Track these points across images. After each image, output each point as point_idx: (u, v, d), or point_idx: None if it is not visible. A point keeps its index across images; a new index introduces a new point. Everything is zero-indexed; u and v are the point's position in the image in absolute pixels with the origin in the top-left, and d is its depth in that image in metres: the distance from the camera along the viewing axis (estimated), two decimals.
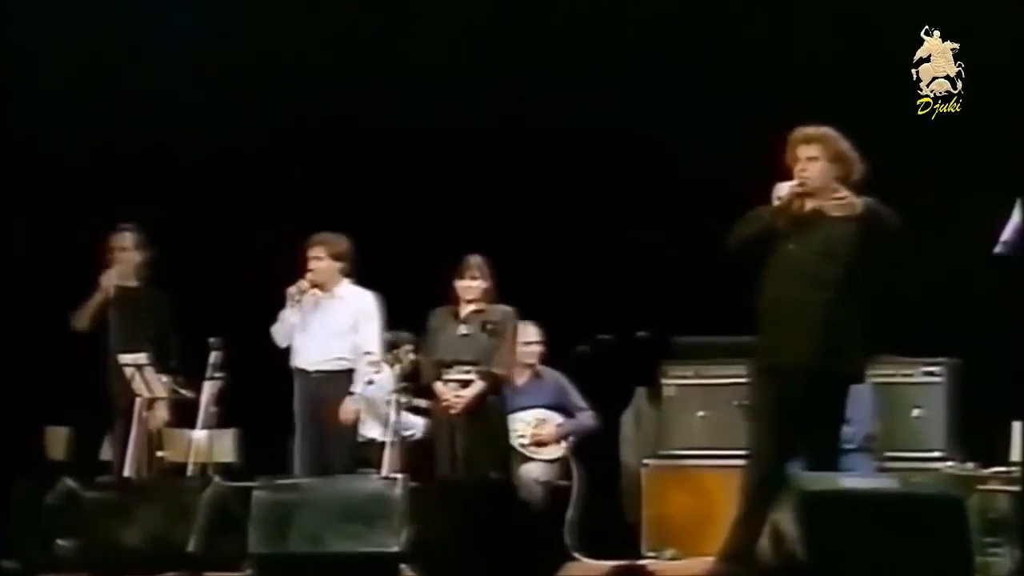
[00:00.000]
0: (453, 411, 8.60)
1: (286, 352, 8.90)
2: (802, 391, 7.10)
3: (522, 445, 9.20)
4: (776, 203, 7.17)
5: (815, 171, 7.18)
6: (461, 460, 8.55)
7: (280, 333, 8.86)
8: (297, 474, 8.50)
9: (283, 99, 10.18)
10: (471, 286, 8.71)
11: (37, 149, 9.98)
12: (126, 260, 9.18)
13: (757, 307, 7.22)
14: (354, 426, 8.89)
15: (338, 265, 8.87)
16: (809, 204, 7.21)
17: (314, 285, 8.83)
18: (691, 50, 9.71)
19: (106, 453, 9.12)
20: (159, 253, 9.26)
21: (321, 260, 8.83)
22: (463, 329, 8.71)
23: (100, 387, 8.93)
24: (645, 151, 9.66)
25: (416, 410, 9.12)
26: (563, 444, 9.27)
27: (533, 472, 9.09)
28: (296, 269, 8.88)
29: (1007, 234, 7.23)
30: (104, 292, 9.08)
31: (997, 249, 7.24)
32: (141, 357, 8.87)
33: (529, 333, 9.31)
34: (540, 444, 9.24)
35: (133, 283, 9.20)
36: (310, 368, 8.82)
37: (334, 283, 8.88)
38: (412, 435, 8.95)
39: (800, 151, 7.21)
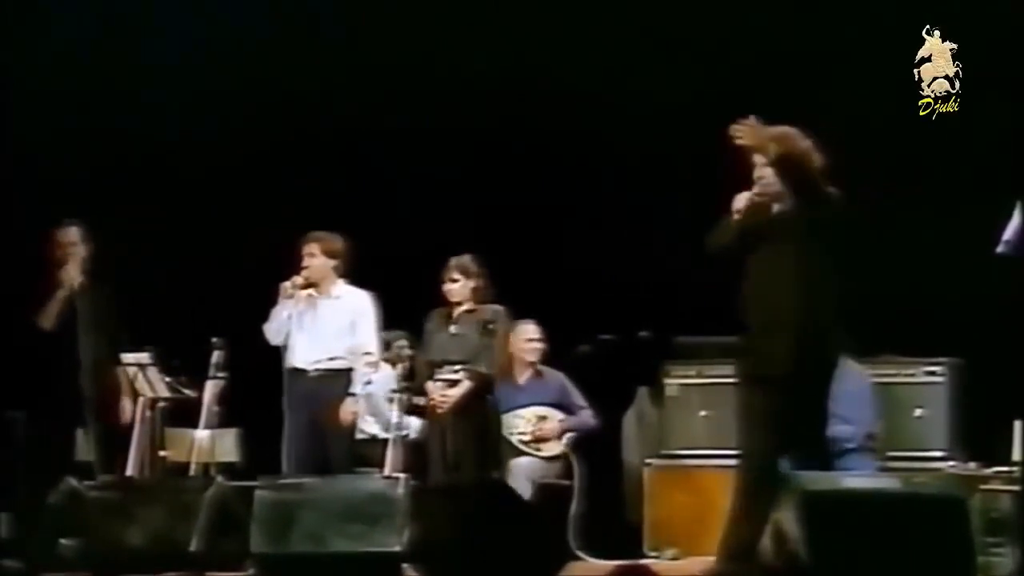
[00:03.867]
0: (440, 411, 8.63)
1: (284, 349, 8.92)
2: (785, 394, 7.09)
3: (522, 442, 9.22)
4: (736, 217, 7.15)
5: (771, 175, 7.16)
6: (452, 460, 8.58)
7: (272, 330, 8.85)
8: (287, 473, 8.50)
9: (284, 100, 10.18)
10: (452, 288, 8.73)
11: (37, 149, 9.97)
12: (76, 255, 9.17)
13: (739, 313, 7.24)
14: (352, 425, 8.90)
15: (332, 263, 8.87)
16: (775, 207, 7.19)
17: (308, 283, 8.83)
18: (692, 50, 9.71)
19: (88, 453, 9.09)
20: (164, 253, 9.27)
21: (315, 257, 8.84)
22: (454, 329, 8.74)
23: (69, 384, 8.91)
24: (647, 150, 9.65)
25: (412, 410, 9.11)
26: (563, 441, 9.29)
27: (524, 469, 9.11)
28: (296, 269, 8.89)
29: (1009, 234, 7.22)
30: (68, 288, 9.08)
31: (999, 249, 7.24)
32: (144, 356, 8.88)
33: (529, 331, 9.34)
34: (541, 440, 9.26)
35: (81, 278, 9.19)
36: (308, 368, 8.83)
37: (329, 282, 8.88)
38: (407, 435, 8.96)
39: (756, 157, 7.16)
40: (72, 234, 9.17)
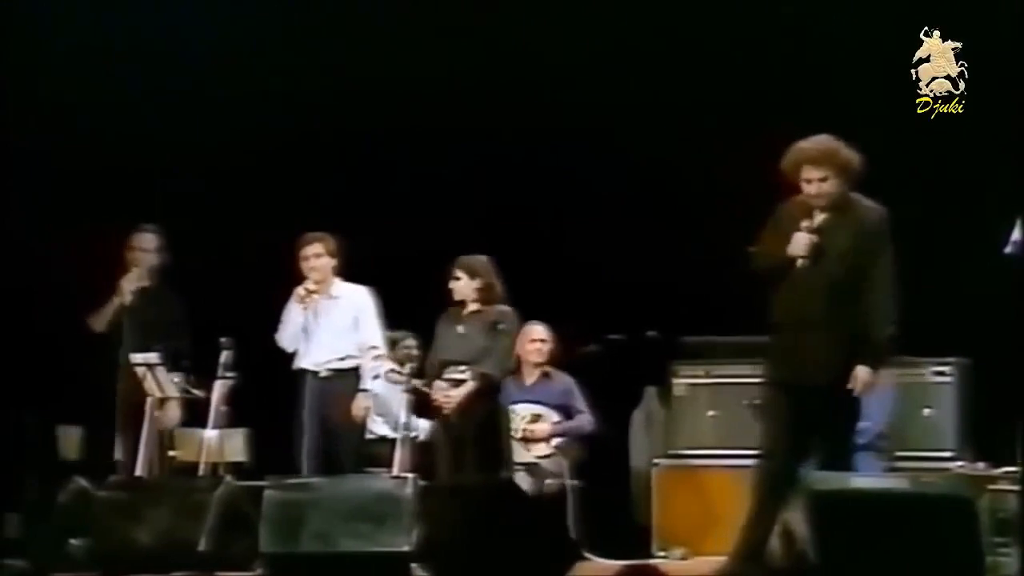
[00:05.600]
0: (444, 411, 8.63)
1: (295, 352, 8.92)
2: (815, 401, 7.10)
3: (513, 438, 9.20)
4: (801, 263, 7.11)
5: (828, 190, 7.15)
6: (460, 460, 8.59)
7: (288, 336, 8.86)
8: (304, 475, 8.51)
9: (290, 102, 10.18)
10: (455, 286, 8.75)
11: (52, 151, 9.99)
12: (145, 261, 9.19)
13: (771, 318, 7.22)
14: (362, 424, 8.91)
15: (333, 262, 8.90)
16: (820, 216, 7.20)
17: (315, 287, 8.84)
18: (693, 51, 9.71)
19: (120, 452, 9.12)
20: (172, 252, 9.28)
21: (321, 257, 8.86)
22: (460, 329, 8.76)
23: (113, 387, 8.93)
24: (653, 150, 9.65)
25: (421, 411, 9.11)
26: (552, 443, 9.28)
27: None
28: (297, 270, 8.91)
29: (1016, 234, 7.21)
30: (122, 296, 9.09)
31: (1007, 249, 7.23)
32: (152, 356, 8.87)
33: (534, 332, 9.33)
34: (531, 440, 9.25)
35: (146, 283, 9.21)
36: (318, 369, 8.83)
37: (328, 282, 8.91)
38: (415, 435, 8.96)
39: (808, 172, 7.15)
40: (147, 240, 9.21)
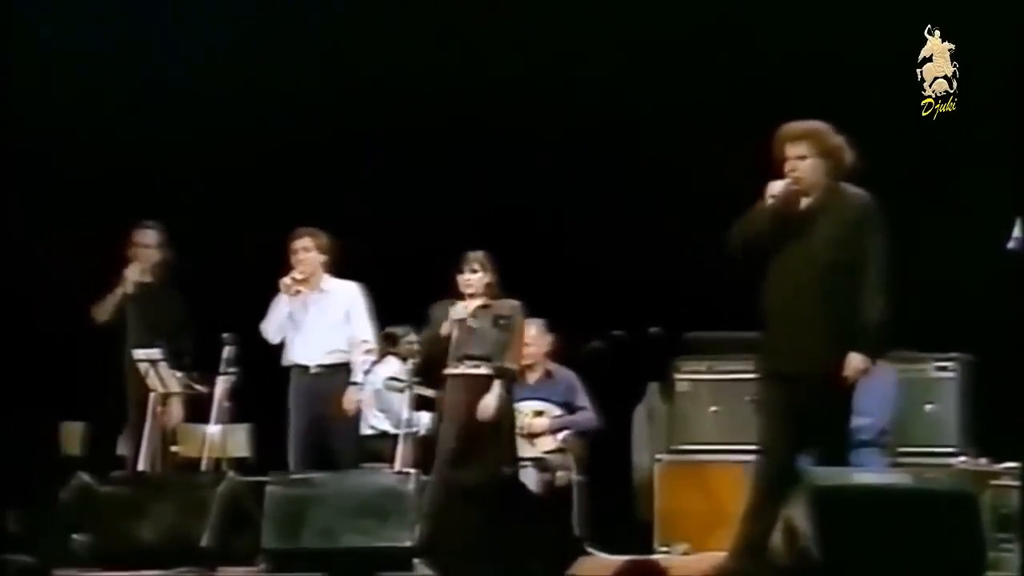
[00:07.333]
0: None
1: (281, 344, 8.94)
2: (810, 394, 7.10)
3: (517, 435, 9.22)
4: (770, 202, 7.15)
5: (805, 169, 7.15)
6: (471, 455, 8.56)
7: (273, 328, 8.88)
8: (294, 470, 8.51)
9: (290, 102, 10.19)
10: (471, 280, 8.68)
11: (52, 151, 10.00)
12: (146, 257, 9.22)
13: (761, 309, 7.23)
14: (356, 419, 8.92)
15: (322, 258, 8.92)
16: (804, 202, 7.21)
17: (304, 278, 8.84)
18: (694, 51, 9.72)
19: (123, 448, 9.14)
20: (174, 250, 9.30)
21: (310, 251, 8.90)
22: (471, 323, 8.73)
23: (117, 382, 8.95)
24: (655, 147, 9.67)
25: (421, 406, 9.11)
26: (559, 437, 9.28)
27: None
28: (288, 265, 8.93)
29: (1017, 232, 7.22)
30: (126, 286, 9.12)
31: (1009, 245, 7.24)
32: (155, 352, 8.89)
33: (528, 334, 9.27)
34: (533, 435, 9.25)
35: (148, 279, 9.23)
36: (309, 364, 8.85)
37: (317, 278, 8.93)
38: (416, 431, 8.96)
39: (788, 149, 7.15)
40: (148, 236, 9.23)
